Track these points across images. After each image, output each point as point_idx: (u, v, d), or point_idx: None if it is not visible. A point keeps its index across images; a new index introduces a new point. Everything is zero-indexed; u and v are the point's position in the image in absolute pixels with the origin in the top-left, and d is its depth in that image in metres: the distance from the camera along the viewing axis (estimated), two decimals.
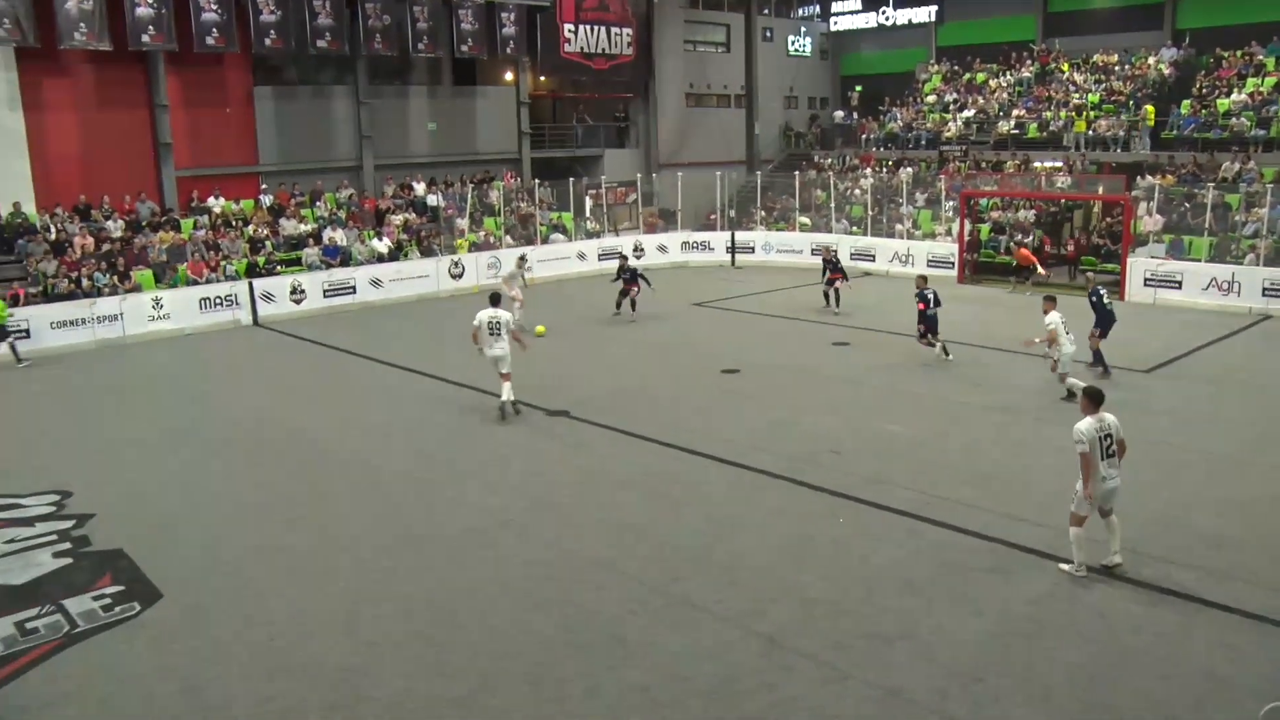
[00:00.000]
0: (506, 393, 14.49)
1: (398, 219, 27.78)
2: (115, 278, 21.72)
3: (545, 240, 29.27)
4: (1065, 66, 35.79)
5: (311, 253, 24.92)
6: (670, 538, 10.14)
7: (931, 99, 37.90)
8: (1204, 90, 31.18)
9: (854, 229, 30.12)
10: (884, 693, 7.28)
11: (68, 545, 10.34)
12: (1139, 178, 27.33)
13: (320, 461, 12.95)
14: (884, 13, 42.42)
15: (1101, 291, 16.03)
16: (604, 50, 34.77)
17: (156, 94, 25.74)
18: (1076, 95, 33.61)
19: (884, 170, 33.72)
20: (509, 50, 31.75)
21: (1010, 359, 16.83)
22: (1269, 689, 7.08)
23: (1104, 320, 15.88)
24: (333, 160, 29.69)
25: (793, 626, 8.25)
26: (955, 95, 37.26)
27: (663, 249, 30.43)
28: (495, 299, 14.88)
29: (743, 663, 7.71)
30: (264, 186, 27.63)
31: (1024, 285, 24.24)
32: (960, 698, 7.17)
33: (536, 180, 31.39)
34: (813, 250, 27.89)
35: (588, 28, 34.07)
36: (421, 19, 29.27)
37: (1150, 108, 30.96)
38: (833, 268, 22.28)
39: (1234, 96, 29.94)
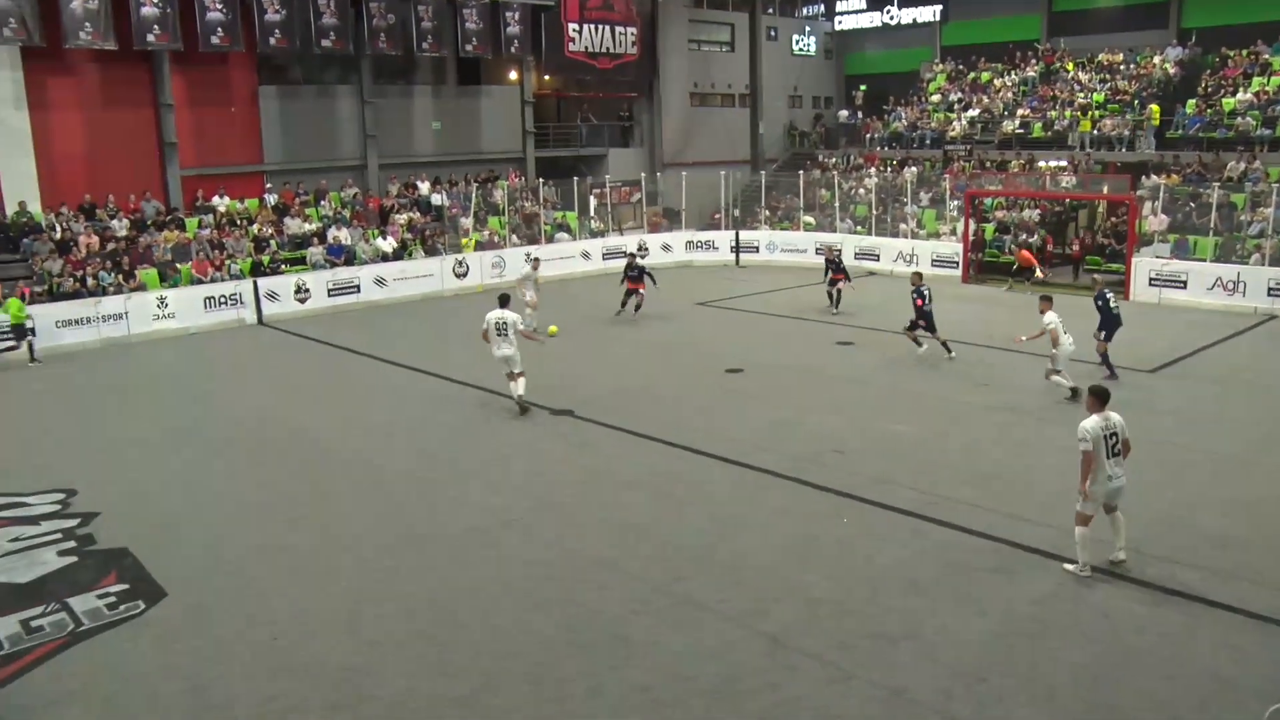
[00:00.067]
0: (516, 392, 14.57)
1: (402, 218, 27.80)
2: (120, 277, 21.78)
3: (550, 239, 29.29)
4: (1070, 66, 35.71)
5: (316, 252, 24.94)
6: (674, 537, 10.13)
7: (936, 98, 37.82)
8: (1209, 89, 31.08)
9: (858, 228, 30.10)
10: (888, 693, 7.27)
11: (72, 544, 10.36)
12: (1144, 177, 27.24)
13: (322, 461, 12.96)
14: (888, 12, 42.41)
15: (1108, 295, 15.96)
16: (608, 49, 34.76)
17: (161, 93, 25.79)
18: (1081, 94, 33.53)
19: (888, 170, 33.68)
20: (513, 49, 31.76)
21: (1014, 359, 16.78)
22: (1273, 690, 7.07)
23: (1109, 324, 15.82)
24: (337, 159, 29.72)
25: (797, 626, 8.25)
26: (960, 94, 37.18)
27: (667, 248, 30.42)
28: (504, 300, 14.92)
29: (746, 662, 7.70)
30: (269, 185, 27.66)
31: (1022, 285, 24.21)
32: (964, 698, 7.17)
33: (541, 180, 31.41)
34: (816, 250, 27.86)
35: (592, 27, 34.06)
36: (426, 18, 29.29)
37: (1155, 107, 30.87)
38: (835, 268, 22.25)
39: (1239, 96, 29.85)
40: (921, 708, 7.08)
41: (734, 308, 23.42)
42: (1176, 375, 16.46)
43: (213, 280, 22.85)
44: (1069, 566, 9.03)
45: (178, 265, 23.06)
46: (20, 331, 19.09)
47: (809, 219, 31.25)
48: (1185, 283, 22.53)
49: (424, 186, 29.84)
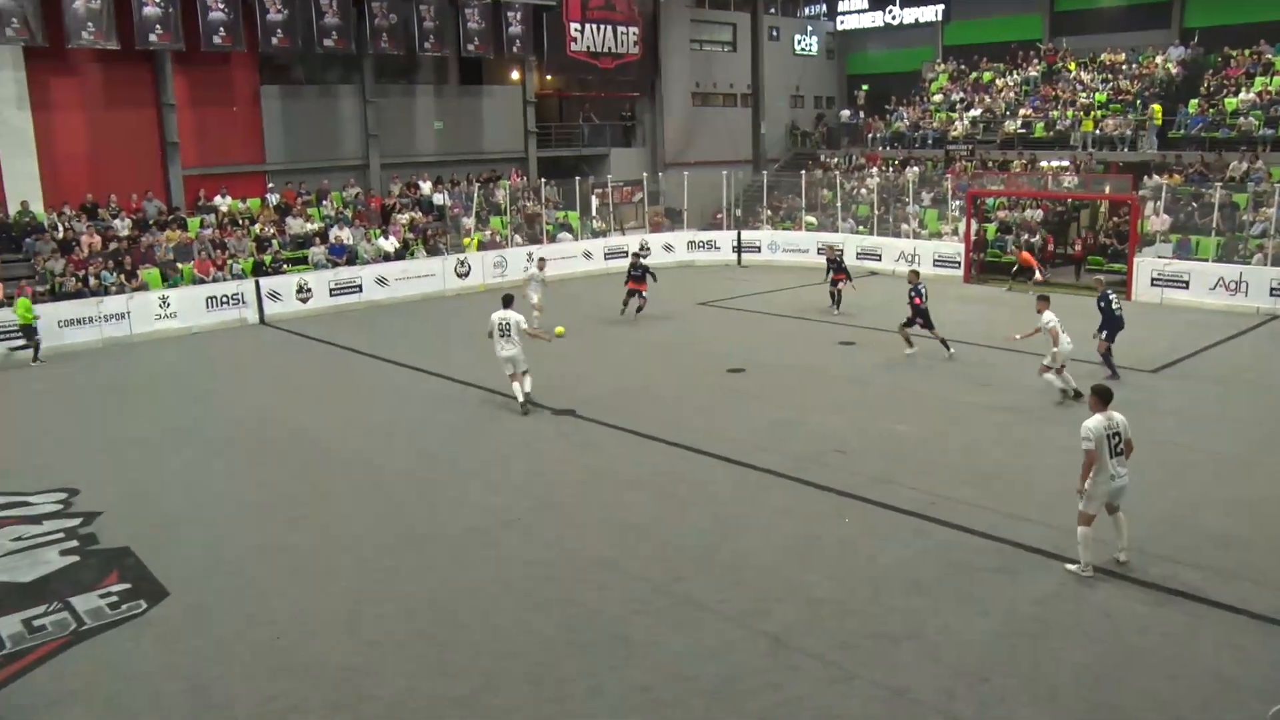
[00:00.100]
0: (519, 392, 14.59)
1: (404, 218, 27.81)
2: (122, 276, 21.80)
3: (553, 239, 29.29)
4: (1072, 65, 35.68)
5: (318, 251, 24.96)
6: (675, 537, 10.13)
7: (938, 98, 37.80)
8: (1212, 89, 31.05)
9: (860, 228, 30.11)
10: (890, 692, 7.26)
11: (75, 543, 10.36)
12: (1146, 177, 27.25)
13: (322, 461, 12.96)
14: (890, 12, 42.39)
15: (1111, 296, 15.93)
16: (610, 49, 34.75)
17: (164, 93, 25.80)
18: (1083, 94, 33.50)
19: (890, 169, 33.68)
20: (515, 49, 31.76)
21: (1016, 359, 16.76)
22: (1276, 690, 7.06)
23: (1111, 325, 15.80)
24: (339, 159, 29.72)
25: (798, 626, 8.24)
26: (962, 94, 37.16)
27: (669, 248, 30.41)
28: (508, 300, 14.90)
29: (747, 662, 7.70)
30: (270, 185, 27.66)
31: (1024, 285, 24.21)
32: (966, 698, 7.16)
33: (543, 179, 31.40)
34: (818, 250, 27.85)
35: (594, 27, 34.05)
36: (428, 18, 29.28)
37: (1157, 107, 30.84)
38: (836, 267, 22.25)
39: (1242, 95, 29.82)
40: (924, 708, 7.07)
41: (736, 308, 23.42)
42: (1178, 375, 16.45)
43: (215, 280, 22.86)
44: (1071, 567, 9.03)
45: (179, 265, 23.08)
46: (29, 331, 19.12)
47: (811, 219, 31.26)
48: (1187, 283, 22.52)
49: (426, 186, 29.86)
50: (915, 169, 32.54)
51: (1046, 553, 9.47)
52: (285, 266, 24.40)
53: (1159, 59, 33.60)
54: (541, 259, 22.48)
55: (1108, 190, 27.44)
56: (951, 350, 17.44)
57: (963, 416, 14.16)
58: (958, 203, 28.46)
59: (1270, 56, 30.88)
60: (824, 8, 45.01)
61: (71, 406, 16.15)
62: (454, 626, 8.39)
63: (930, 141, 35.68)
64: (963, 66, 39.03)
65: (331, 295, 24.05)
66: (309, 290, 23.71)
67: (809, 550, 9.76)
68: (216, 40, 25.47)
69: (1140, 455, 9.19)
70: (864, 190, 31.67)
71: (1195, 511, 10.52)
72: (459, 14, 29.96)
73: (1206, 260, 23.17)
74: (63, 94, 24.43)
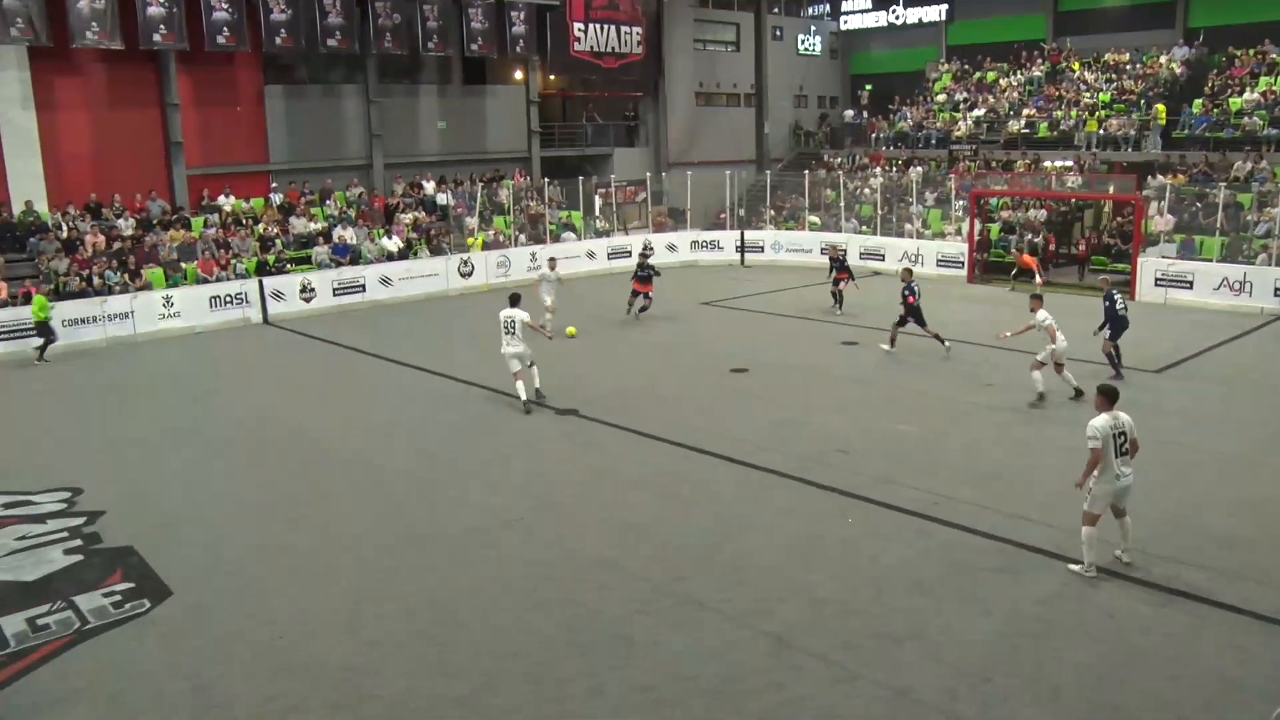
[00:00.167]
0: (522, 390, 14.65)
1: (407, 217, 27.82)
2: (126, 276, 21.83)
3: (556, 239, 29.30)
4: (1076, 65, 35.65)
5: (321, 251, 24.98)
6: (677, 537, 10.13)
7: (941, 98, 37.79)
8: (1216, 89, 31.01)
9: (863, 228, 30.09)
10: (893, 693, 7.26)
11: (78, 542, 10.38)
12: (1150, 177, 27.21)
13: (323, 461, 12.96)
14: (894, 11, 42.38)
15: (1116, 296, 15.90)
16: (614, 49, 34.77)
17: (167, 93, 25.84)
18: (1087, 94, 33.47)
19: (894, 169, 33.66)
20: (519, 49, 31.78)
21: (1019, 359, 16.71)
22: (1279, 690, 7.04)
23: (1116, 324, 15.78)
24: (343, 159, 29.75)
25: (801, 626, 8.24)
26: (965, 94, 37.14)
27: (672, 248, 30.38)
28: (515, 299, 14.97)
29: (749, 662, 7.69)
30: (274, 185, 27.70)
31: (1027, 285, 24.16)
32: (969, 698, 7.15)
33: (546, 179, 31.40)
34: (821, 250, 27.84)
35: (597, 26, 34.06)
36: (431, 18, 29.32)
37: (1161, 107, 30.80)
38: (839, 267, 22.23)
39: (1246, 95, 29.78)
40: (926, 708, 7.07)
41: (739, 308, 23.41)
42: (1182, 375, 16.42)
43: (218, 280, 22.89)
44: (1074, 567, 9.01)
45: (183, 264, 23.11)
46: (44, 328, 19.18)
47: (814, 219, 31.24)
48: (1191, 283, 22.48)
49: (429, 186, 29.89)
50: (919, 169, 32.49)
51: (1049, 553, 9.46)
52: (289, 266, 24.42)
53: (1163, 59, 33.56)
54: (552, 259, 22.36)
55: (1112, 190, 27.41)
56: (948, 345, 17.47)
57: (964, 416, 14.15)
58: (961, 203, 28.43)
59: (1275, 56, 30.84)
60: (827, 8, 45.02)
61: (72, 406, 16.16)
62: (454, 626, 8.39)
63: (934, 141, 35.66)
64: (966, 66, 39.00)
65: (335, 295, 24.07)
66: (312, 290, 23.73)
67: (812, 550, 9.75)
68: (220, 40, 25.50)
69: (1144, 455, 9.18)
70: (867, 190, 31.67)
71: (1199, 512, 10.51)
72: (462, 14, 29.99)
73: (1210, 260, 23.13)
74: (67, 94, 24.48)
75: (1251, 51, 31.57)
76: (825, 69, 44.79)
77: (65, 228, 23.04)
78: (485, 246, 27.58)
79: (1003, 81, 36.81)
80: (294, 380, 17.58)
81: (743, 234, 31.02)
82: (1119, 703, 7.08)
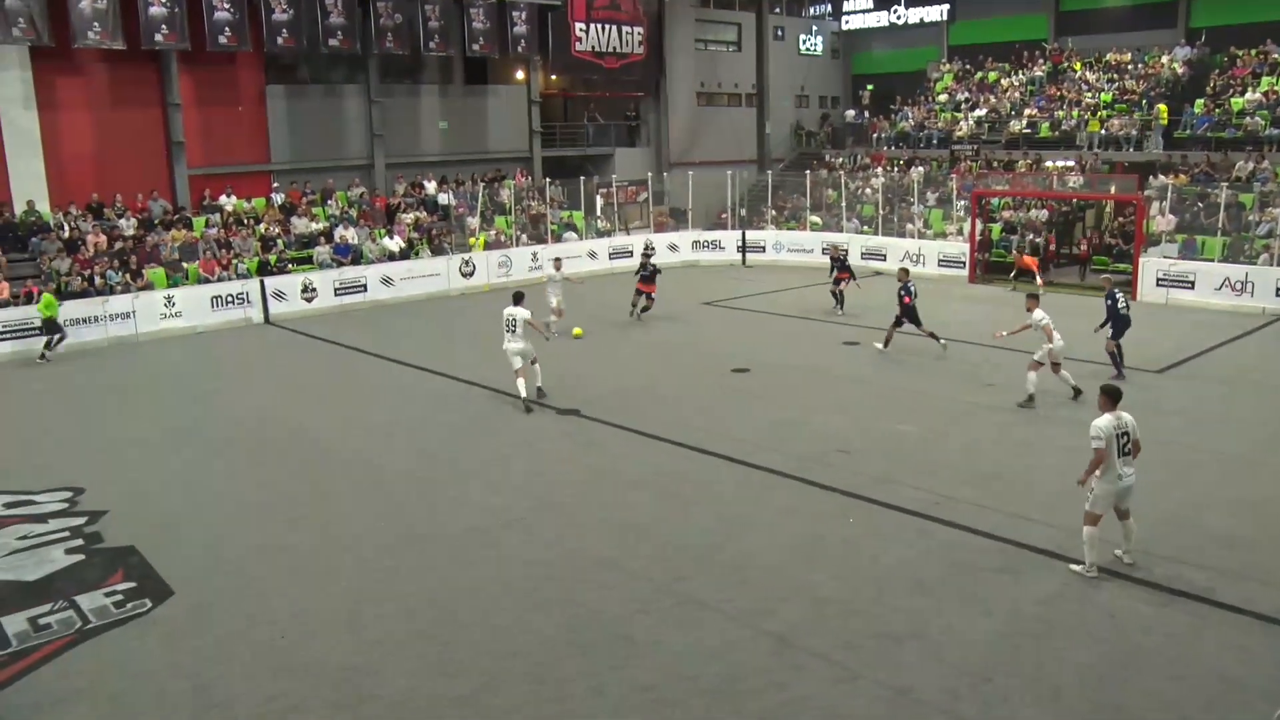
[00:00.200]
0: (522, 388, 14.70)
1: (409, 217, 27.83)
2: (127, 276, 21.84)
3: (558, 239, 29.31)
4: (1078, 65, 35.63)
5: (323, 251, 24.99)
6: (679, 537, 10.12)
7: (943, 98, 37.77)
8: (1218, 89, 30.99)
9: (865, 228, 30.08)
10: (894, 692, 7.26)
11: (80, 542, 10.38)
12: (1152, 177, 27.20)
13: (322, 461, 12.96)
14: (895, 11, 42.36)
15: (1118, 295, 15.90)
16: (615, 49, 34.77)
17: (169, 93, 25.84)
18: (1089, 94, 33.45)
19: (895, 169, 33.66)
20: (520, 49, 31.78)
21: (1020, 359, 16.71)
22: None
23: (1118, 323, 15.78)
24: (344, 159, 29.76)
25: (803, 626, 8.24)
26: (967, 94, 37.12)
27: (674, 248, 30.38)
28: (518, 297, 15.10)
29: (752, 662, 7.69)
30: (276, 185, 27.71)
31: (1029, 286, 24.14)
32: (970, 698, 7.15)
33: (547, 179, 31.41)
34: (823, 250, 27.83)
35: (599, 26, 34.07)
36: (433, 18, 29.32)
37: (1163, 107, 30.79)
38: (840, 266, 22.22)
39: (1248, 95, 29.75)
40: (927, 707, 7.06)
41: (740, 308, 23.41)
42: (1184, 375, 16.41)
43: (220, 279, 22.91)
44: (1075, 567, 9.01)
45: (184, 264, 23.12)
46: (53, 325, 19.25)
47: (815, 219, 31.23)
48: (1193, 283, 22.46)
49: (431, 186, 29.90)
50: (920, 169, 32.49)
51: (1050, 553, 9.45)
52: (290, 266, 24.42)
53: (1165, 59, 33.55)
54: (557, 259, 22.19)
55: (1113, 190, 27.40)
56: (944, 343, 17.49)
57: (965, 416, 14.15)
58: (962, 203, 28.41)
59: (1276, 56, 30.82)
60: (829, 7, 45.00)
61: (73, 406, 16.16)
62: (455, 626, 8.39)
63: (935, 141, 35.65)
64: (968, 66, 38.99)
65: (336, 295, 24.07)
66: (314, 290, 23.73)
67: (813, 550, 9.75)
68: (222, 40, 25.51)
69: (1145, 455, 9.17)
70: (869, 190, 31.67)
71: (1200, 512, 10.50)
72: (464, 14, 30.00)
73: (1212, 260, 23.12)
74: (68, 94, 24.49)
75: (1253, 51, 31.55)
76: (827, 69, 44.78)
77: (67, 227, 23.05)
78: (487, 246, 27.59)
79: (1004, 81, 36.80)
80: (295, 380, 17.58)
81: (744, 234, 31.02)
82: (1120, 703, 7.08)
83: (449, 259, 26.35)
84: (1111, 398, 8.93)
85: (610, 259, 29.25)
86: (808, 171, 32.42)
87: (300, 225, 26.00)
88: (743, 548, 9.84)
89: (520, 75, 33.83)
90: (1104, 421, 8.74)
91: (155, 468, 12.80)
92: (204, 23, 25.05)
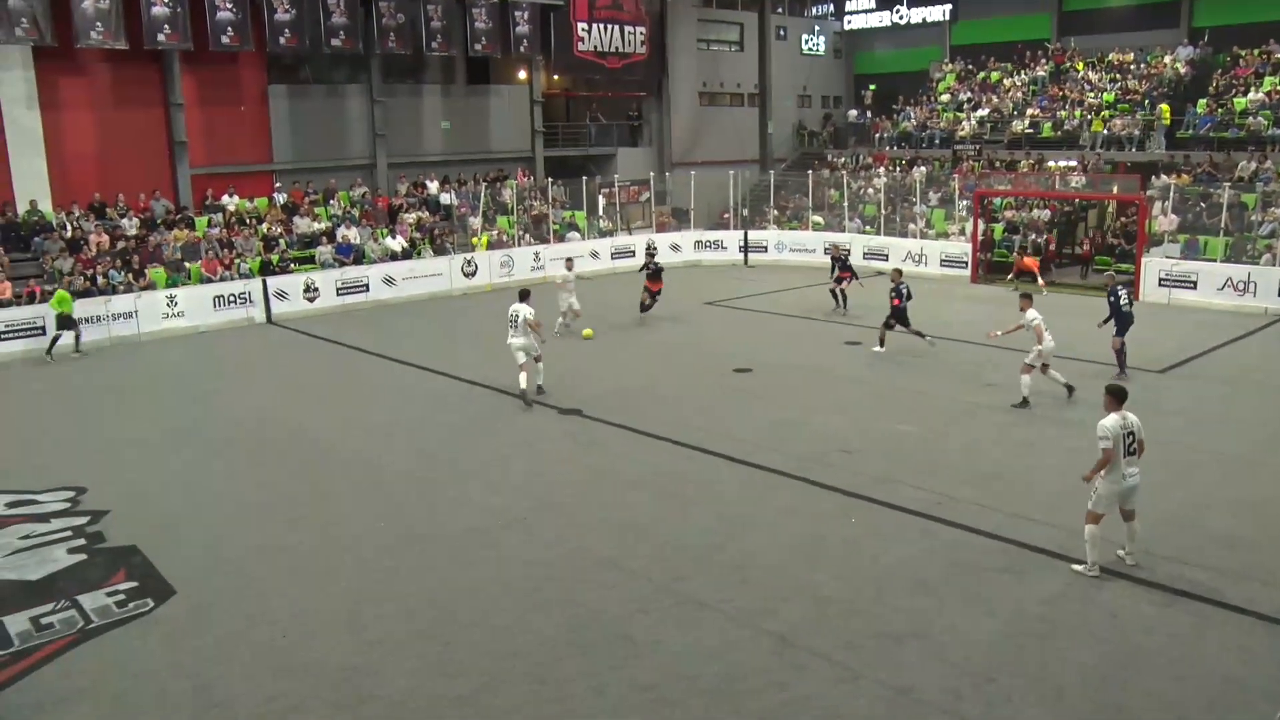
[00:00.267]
0: (523, 381, 14.84)
1: (411, 217, 27.85)
2: (130, 275, 21.85)
3: (561, 239, 29.32)
4: (1080, 65, 35.59)
5: (325, 251, 25.00)
6: (679, 537, 10.12)
7: (945, 98, 37.74)
8: (1220, 89, 30.96)
9: (867, 228, 30.07)
10: (895, 692, 7.25)
11: (82, 541, 10.39)
12: (1154, 177, 27.17)
13: (322, 461, 12.96)
14: (898, 11, 42.32)
15: (1121, 292, 15.89)
16: (617, 49, 34.77)
17: (172, 92, 25.86)
18: (1091, 94, 33.42)
19: (897, 169, 33.64)
20: (522, 49, 31.78)
21: (1020, 359, 16.73)
22: None
23: (1121, 320, 15.78)
24: (346, 158, 29.78)
25: (804, 625, 8.23)
26: (969, 94, 37.10)
27: (676, 248, 30.39)
28: (524, 294, 15.21)
29: (753, 662, 7.69)
30: (278, 185, 27.72)
31: (1030, 286, 24.12)
32: (972, 697, 7.14)
33: (550, 179, 31.42)
34: (824, 250, 27.82)
35: (601, 26, 34.07)
36: (435, 18, 29.33)
37: (1166, 107, 30.75)
38: (841, 266, 22.21)
39: (1251, 95, 29.72)
40: (929, 707, 7.06)
41: (742, 307, 23.40)
42: (1186, 376, 16.39)
43: (222, 279, 22.92)
44: (1077, 567, 9.01)
45: (187, 264, 23.13)
46: (67, 321, 19.30)
47: (818, 219, 31.23)
48: (1195, 283, 22.44)
49: (433, 186, 29.91)
50: (922, 169, 32.50)
51: (1052, 553, 9.44)
52: (292, 266, 24.44)
53: (1167, 59, 33.52)
54: (569, 259, 21.89)
55: (1115, 190, 27.38)
56: (929, 338, 17.58)
57: (965, 416, 14.14)
58: (965, 203, 28.40)
59: (1279, 56, 30.74)
60: (831, 7, 44.97)
61: (74, 406, 16.17)
62: (455, 626, 8.39)
63: (937, 141, 35.63)
64: (970, 66, 38.96)
65: (338, 294, 24.08)
66: (316, 289, 23.74)
67: (814, 550, 9.75)
68: (224, 40, 25.54)
69: (1147, 455, 9.15)
70: (871, 190, 31.66)
71: (1202, 512, 10.49)
72: (466, 13, 30.00)
73: (1215, 260, 23.09)
74: (71, 93, 24.51)
75: (1256, 51, 31.50)
76: (829, 69, 44.76)
77: (70, 227, 23.07)
78: (489, 246, 27.59)
79: (1006, 81, 36.77)
80: (296, 380, 17.59)
81: (746, 234, 31.02)
82: (1123, 703, 7.07)
83: (451, 259, 26.36)
84: (1117, 398, 8.93)
85: (613, 259, 29.24)
86: (810, 171, 32.40)
87: (302, 225, 26.02)
88: (743, 547, 9.83)
89: (522, 75, 33.83)
90: (1110, 422, 8.74)
91: (156, 467, 12.81)
92: (206, 23, 25.09)
